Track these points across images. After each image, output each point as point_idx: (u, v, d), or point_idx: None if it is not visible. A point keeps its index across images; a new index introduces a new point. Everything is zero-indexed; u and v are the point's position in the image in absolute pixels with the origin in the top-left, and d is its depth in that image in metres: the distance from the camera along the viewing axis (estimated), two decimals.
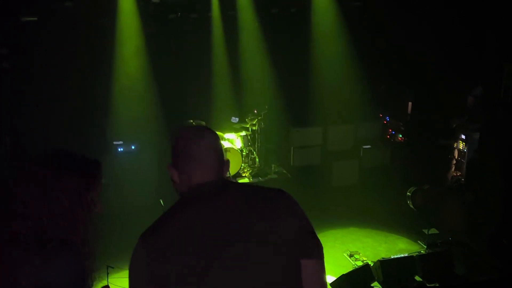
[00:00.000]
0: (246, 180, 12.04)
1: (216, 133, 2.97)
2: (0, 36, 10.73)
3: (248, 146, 12.40)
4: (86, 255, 2.74)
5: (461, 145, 11.19)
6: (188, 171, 2.84)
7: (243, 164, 12.10)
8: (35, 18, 11.07)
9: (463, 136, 11.09)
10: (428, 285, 8.29)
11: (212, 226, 2.64)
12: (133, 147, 12.11)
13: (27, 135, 11.16)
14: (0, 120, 10.89)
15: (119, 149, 12.00)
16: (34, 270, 2.57)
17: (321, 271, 2.83)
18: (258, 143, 12.46)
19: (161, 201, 8.56)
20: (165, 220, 2.71)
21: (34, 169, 2.74)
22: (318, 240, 2.88)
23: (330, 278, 8.61)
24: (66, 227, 2.67)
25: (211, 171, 2.85)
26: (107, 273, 8.08)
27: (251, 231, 2.65)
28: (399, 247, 9.98)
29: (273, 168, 12.52)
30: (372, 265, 8.58)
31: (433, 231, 9.88)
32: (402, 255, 8.91)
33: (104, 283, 8.15)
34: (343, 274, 8.13)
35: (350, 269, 8.77)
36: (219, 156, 2.90)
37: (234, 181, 2.75)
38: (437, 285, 8.24)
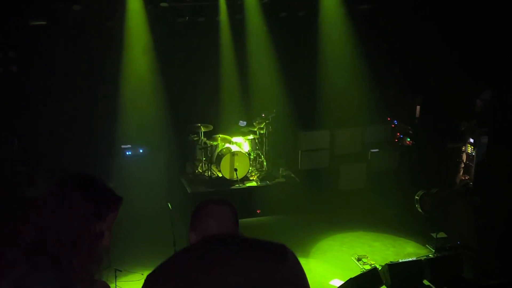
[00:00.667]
0: (253, 184, 12.02)
1: (234, 206, 3.26)
2: (8, 40, 10.78)
3: (256, 149, 12.39)
4: (82, 279, 2.74)
5: (469, 149, 11.16)
6: (203, 227, 3.07)
7: (250, 168, 12.09)
8: (44, 22, 11.11)
9: (471, 140, 11.06)
10: None
11: (210, 273, 2.80)
12: (141, 151, 12.14)
13: (35, 138, 11.21)
14: (8, 123, 10.94)
15: (127, 153, 12.03)
16: (15, 276, 2.59)
17: None
18: (265, 146, 12.45)
19: (169, 205, 8.57)
20: (167, 263, 2.94)
21: (57, 183, 2.79)
22: None
23: (337, 282, 8.62)
24: (67, 247, 2.68)
25: (224, 227, 3.08)
26: (115, 276, 8.10)
27: (246, 282, 2.79)
28: (407, 251, 9.97)
29: (280, 172, 12.49)
30: (380, 269, 8.57)
31: (442, 235, 9.85)
32: (411, 259, 8.90)
33: (112, 286, 8.17)
34: (350, 278, 8.13)
35: (358, 272, 8.77)
36: (234, 220, 3.18)
37: (245, 236, 2.88)
38: None
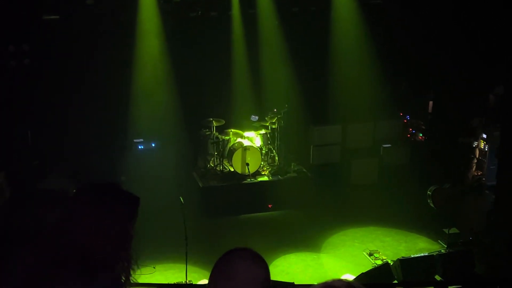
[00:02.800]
0: (265, 178, 12.03)
1: (268, 268, 2.55)
2: (22, 34, 10.83)
3: (268, 144, 12.39)
4: (125, 281, 2.87)
5: (482, 144, 11.11)
6: None
7: (262, 163, 12.09)
8: (57, 16, 11.16)
9: (484, 135, 11.01)
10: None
11: None
12: (153, 145, 12.18)
13: (48, 131, 11.26)
14: (21, 116, 10.99)
15: (139, 147, 12.07)
16: None
17: None
18: (277, 141, 12.44)
19: (181, 199, 8.60)
20: None
21: (92, 198, 2.84)
22: None
23: (349, 277, 8.61)
24: (111, 254, 2.79)
25: None
26: None
27: None
28: (419, 246, 9.95)
29: (292, 166, 12.49)
30: (391, 264, 8.57)
31: (454, 230, 9.83)
32: (422, 254, 8.88)
33: None
34: (362, 273, 8.13)
35: (369, 268, 8.77)
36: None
37: None
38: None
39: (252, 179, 11.85)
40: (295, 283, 7.97)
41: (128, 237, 2.87)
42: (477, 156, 11.28)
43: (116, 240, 2.79)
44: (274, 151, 12.46)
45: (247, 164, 11.71)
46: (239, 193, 11.81)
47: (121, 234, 2.83)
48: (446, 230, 9.82)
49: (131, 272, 2.90)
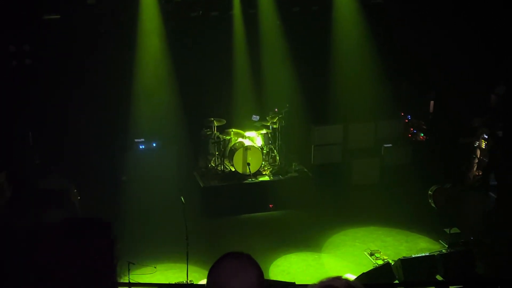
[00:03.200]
0: (266, 178, 12.02)
1: (259, 268, 2.53)
2: (23, 34, 10.83)
3: (269, 144, 12.39)
4: None
5: (483, 144, 11.09)
6: None
7: (263, 162, 12.08)
8: (57, 16, 11.16)
9: (485, 135, 11.00)
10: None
11: None
12: (154, 145, 12.18)
13: (48, 131, 11.26)
14: (22, 116, 10.99)
15: (141, 147, 12.07)
16: None
17: None
18: (278, 141, 12.44)
19: (182, 198, 8.59)
20: None
21: (71, 235, 2.86)
22: None
23: (350, 277, 8.59)
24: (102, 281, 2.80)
25: None
26: (128, 269, 8.13)
27: None
28: (420, 246, 9.94)
29: (293, 166, 12.48)
30: (393, 264, 8.56)
31: (455, 230, 9.81)
32: (423, 254, 8.88)
33: (125, 279, 8.20)
34: (363, 273, 8.13)
35: (370, 267, 8.76)
36: None
37: None
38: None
39: (253, 179, 11.84)
40: (296, 283, 7.97)
41: (114, 261, 2.89)
42: (478, 156, 11.27)
43: (104, 268, 2.81)
44: (275, 151, 12.45)
45: (248, 164, 11.71)
46: (240, 193, 11.81)
47: (107, 262, 2.84)
48: (447, 230, 9.82)
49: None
